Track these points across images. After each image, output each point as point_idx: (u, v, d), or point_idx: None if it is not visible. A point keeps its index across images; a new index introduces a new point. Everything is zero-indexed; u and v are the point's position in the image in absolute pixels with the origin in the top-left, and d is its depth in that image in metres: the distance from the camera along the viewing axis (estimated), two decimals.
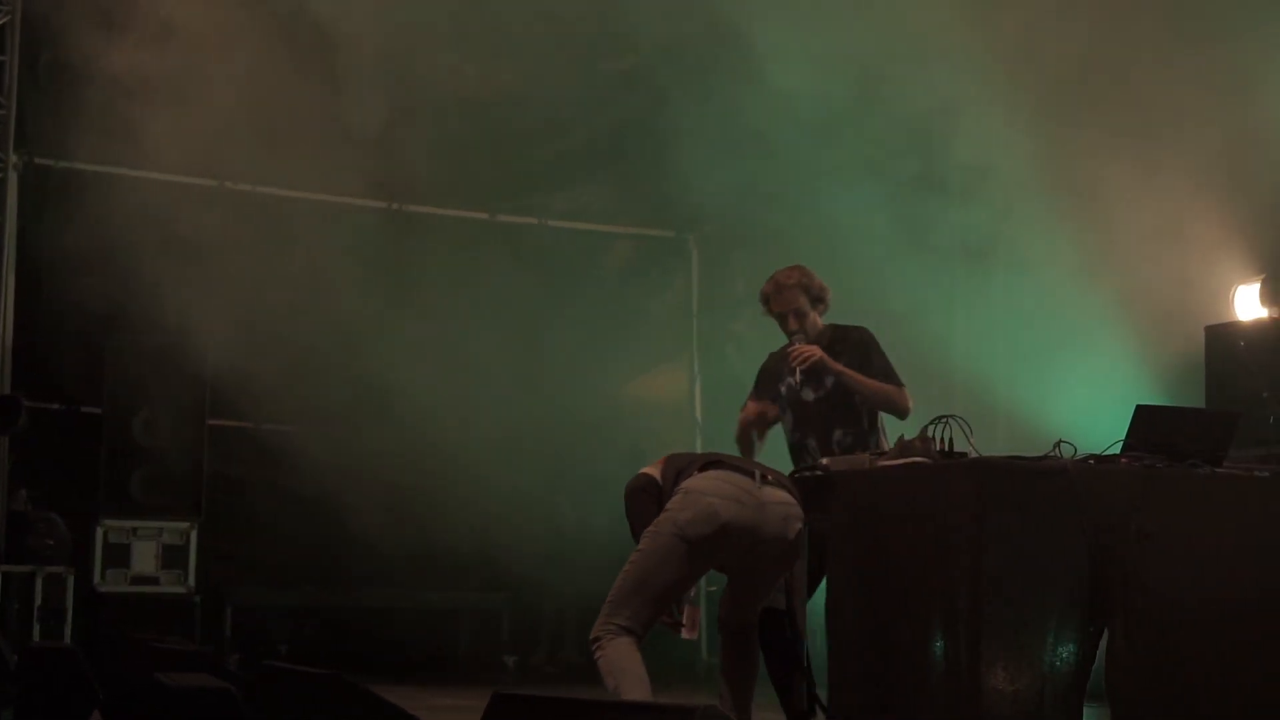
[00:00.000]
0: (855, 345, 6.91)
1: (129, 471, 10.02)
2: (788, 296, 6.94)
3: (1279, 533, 5.98)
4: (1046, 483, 5.74)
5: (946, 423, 6.22)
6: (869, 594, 6.06)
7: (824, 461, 6.47)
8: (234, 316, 10.26)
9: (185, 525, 10.04)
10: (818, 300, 6.98)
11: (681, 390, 12.43)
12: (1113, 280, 9.18)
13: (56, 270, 10.12)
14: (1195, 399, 8.28)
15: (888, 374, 6.84)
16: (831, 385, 6.86)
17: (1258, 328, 8.43)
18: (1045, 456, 6.00)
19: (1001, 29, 9.29)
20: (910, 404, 6.81)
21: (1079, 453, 5.96)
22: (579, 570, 11.49)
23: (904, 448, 6.18)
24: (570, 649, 11.55)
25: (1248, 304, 9.53)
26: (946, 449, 6.16)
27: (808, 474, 6.45)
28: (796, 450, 7.00)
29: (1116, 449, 6.04)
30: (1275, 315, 8.82)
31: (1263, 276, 9.53)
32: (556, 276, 11.64)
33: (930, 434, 6.17)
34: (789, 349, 6.90)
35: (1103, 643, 5.74)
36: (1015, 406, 8.85)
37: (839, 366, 6.80)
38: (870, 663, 6.02)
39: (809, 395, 6.92)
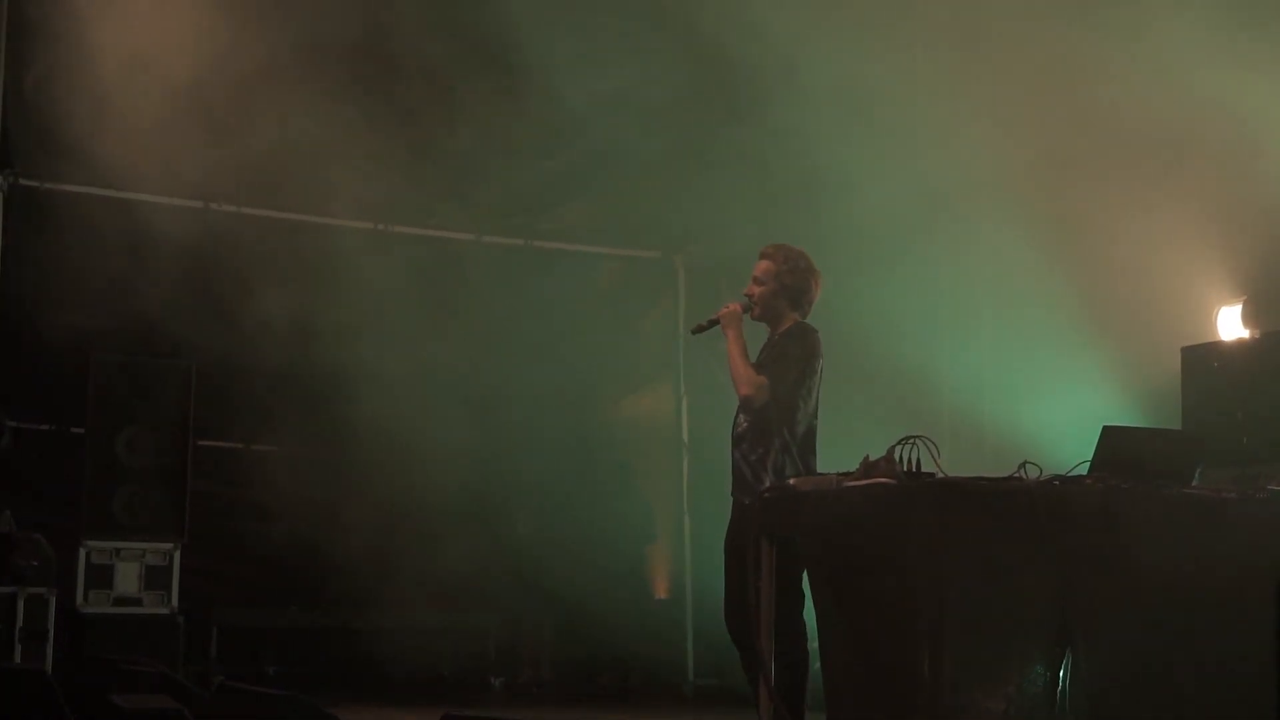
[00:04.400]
0: (790, 335, 7.01)
1: (112, 492, 10.00)
2: (761, 262, 7.03)
3: (1245, 554, 5.97)
4: (1009, 503, 5.75)
5: (913, 443, 6.23)
6: (847, 613, 6.06)
7: (791, 481, 6.47)
8: (219, 337, 10.27)
9: (169, 546, 10.01)
10: (788, 289, 6.99)
11: (668, 411, 12.43)
12: (1093, 302, 9.18)
13: (41, 290, 10.13)
14: (1172, 420, 8.27)
15: (776, 364, 6.92)
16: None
17: (1232, 349, 8.43)
18: (1009, 477, 6.00)
19: (984, 49, 9.31)
20: (749, 393, 6.89)
21: (1044, 473, 5.96)
22: (565, 592, 11.50)
23: (869, 468, 6.18)
24: (548, 669, 11.55)
25: (1230, 325, 9.54)
26: (913, 469, 6.16)
27: (773, 494, 6.46)
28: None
29: (1082, 469, 6.05)
30: (1256, 336, 8.82)
31: (1244, 298, 9.54)
32: (543, 298, 11.64)
33: (897, 455, 6.17)
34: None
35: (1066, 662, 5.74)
36: (995, 427, 8.85)
37: (730, 330, 6.85)
38: (859, 680, 6.02)
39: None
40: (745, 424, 6.95)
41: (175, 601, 9.98)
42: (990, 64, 9.37)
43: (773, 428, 6.85)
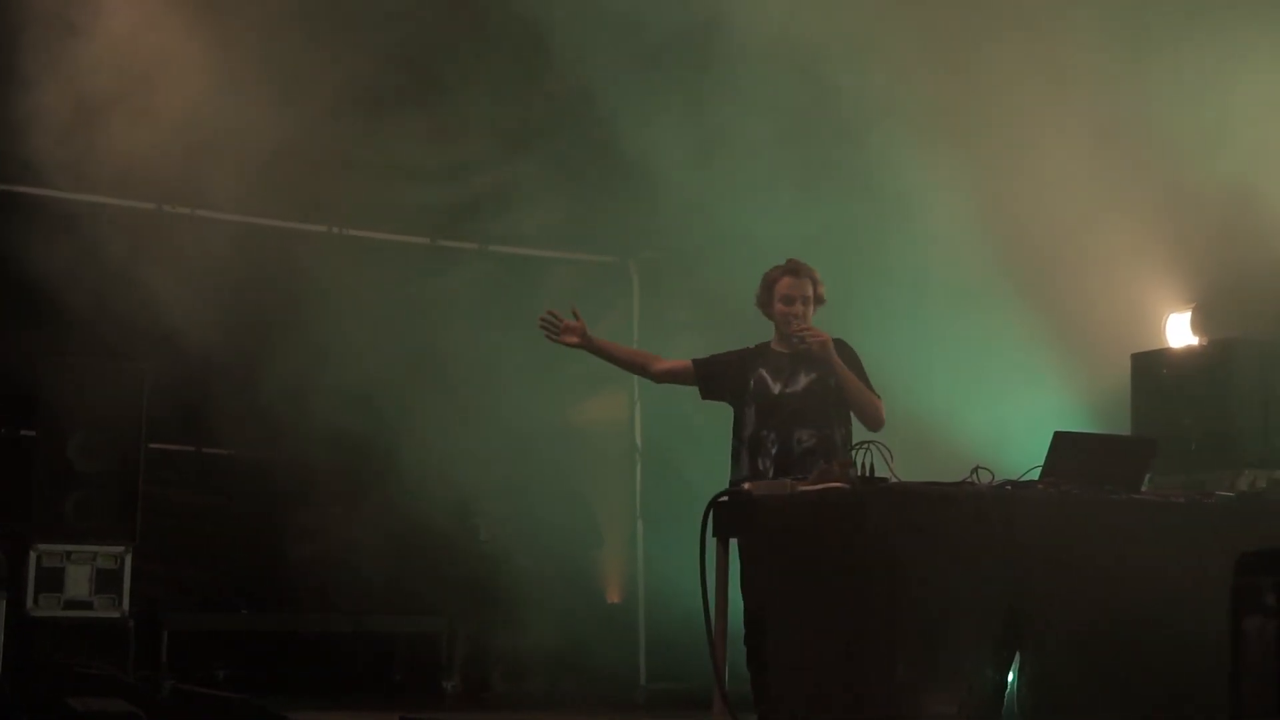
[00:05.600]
0: (841, 352, 7.03)
1: (64, 495, 9.95)
2: (804, 283, 7.04)
3: (1194, 558, 6.03)
4: (962, 508, 5.80)
5: (867, 448, 6.29)
6: (792, 614, 6.10)
7: (745, 485, 6.51)
8: (173, 339, 10.22)
9: (120, 549, 9.96)
10: (818, 304, 7.08)
11: (622, 416, 12.44)
12: (1044, 308, 9.25)
13: None
14: (1122, 426, 8.34)
15: (866, 380, 6.99)
16: (804, 385, 6.92)
17: (1181, 356, 8.51)
18: (962, 482, 6.05)
19: (933, 52, 9.37)
20: (884, 418, 6.92)
21: (997, 478, 6.01)
22: (518, 596, 11.49)
23: (823, 473, 6.24)
24: (500, 673, 11.53)
25: (1179, 332, 9.64)
26: (867, 474, 6.22)
27: (726, 498, 6.49)
28: (752, 443, 7.03)
29: (1034, 474, 6.11)
30: (1205, 343, 8.90)
31: (1193, 305, 9.64)
32: (497, 302, 11.62)
33: (850, 459, 6.23)
34: (794, 327, 6.94)
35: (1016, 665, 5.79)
36: (948, 433, 8.87)
37: (840, 363, 6.89)
38: (796, 680, 6.06)
39: (778, 389, 6.97)
40: (812, 440, 6.90)
41: (126, 605, 9.94)
42: (943, 70, 9.42)
43: (838, 441, 6.88)
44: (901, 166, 9.76)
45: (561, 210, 11.63)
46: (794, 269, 7.08)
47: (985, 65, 9.32)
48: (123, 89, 9.65)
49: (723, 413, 11.07)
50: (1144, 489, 6.37)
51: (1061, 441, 6.16)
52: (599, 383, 12.50)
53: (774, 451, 6.89)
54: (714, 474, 9.23)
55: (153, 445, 10.48)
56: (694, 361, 7.27)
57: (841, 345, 7.05)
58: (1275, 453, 7.73)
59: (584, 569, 12.08)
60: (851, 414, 7.02)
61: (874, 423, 6.93)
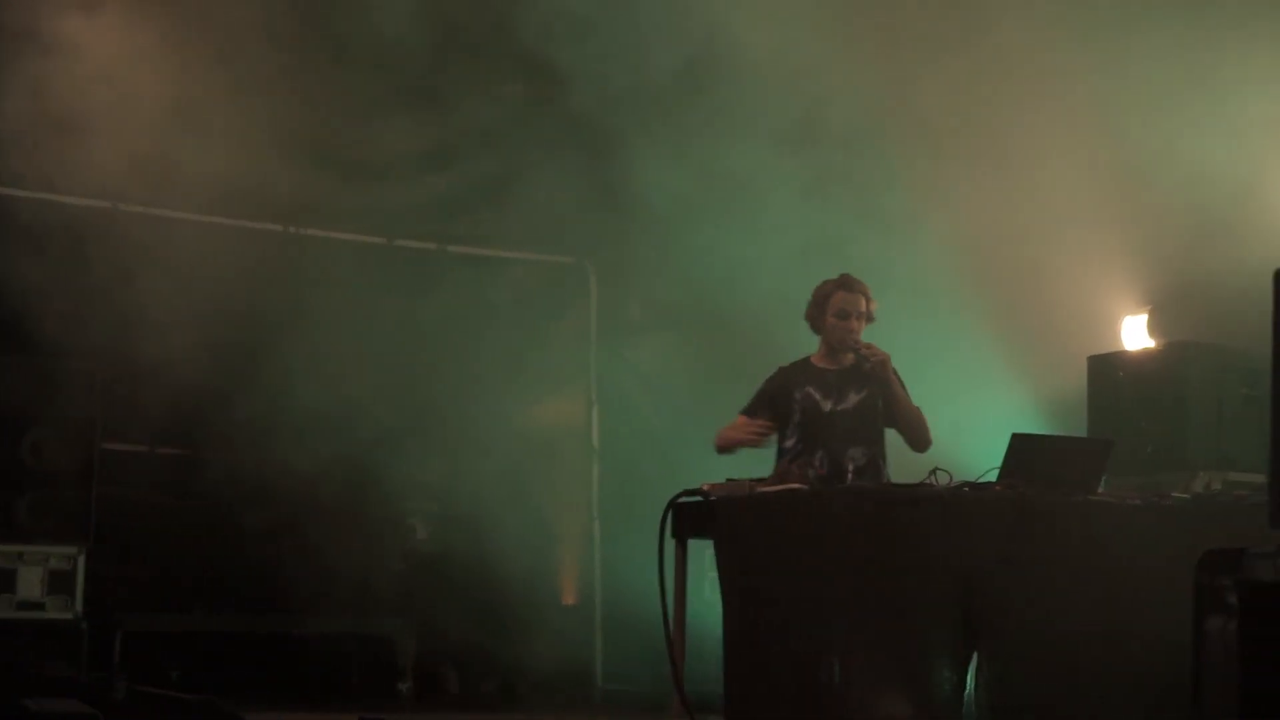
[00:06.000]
0: (888, 369, 7.04)
1: (16, 495, 9.87)
2: (858, 298, 7.02)
3: (1151, 560, 6.07)
4: (921, 510, 5.82)
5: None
6: (752, 615, 6.11)
7: (704, 487, 6.51)
8: (128, 339, 10.16)
9: (73, 550, 9.89)
10: (869, 321, 7.07)
11: (579, 417, 12.43)
12: (1002, 311, 9.28)
13: None
14: (1079, 428, 8.38)
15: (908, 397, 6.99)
16: (854, 403, 6.91)
17: (1137, 358, 8.56)
18: (920, 484, 6.07)
19: (883, 67, 9.40)
20: (931, 439, 6.99)
21: (954, 480, 6.04)
22: (473, 597, 11.46)
23: (782, 474, 6.25)
24: (455, 674, 11.50)
25: (1134, 335, 9.70)
26: (824, 476, 6.24)
27: (686, 500, 6.50)
28: (802, 462, 6.97)
29: (992, 476, 6.13)
30: (1160, 346, 8.96)
31: (1149, 308, 9.70)
32: (455, 302, 11.59)
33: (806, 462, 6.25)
34: (852, 342, 6.92)
35: (973, 666, 5.81)
36: (895, 435, 8.87)
37: (895, 382, 6.89)
38: (757, 682, 6.07)
39: (828, 407, 6.96)
40: (864, 459, 6.90)
41: (79, 606, 9.87)
42: (906, 78, 9.46)
43: (883, 459, 6.87)
44: (864, 173, 9.79)
45: (520, 210, 11.62)
46: (847, 284, 7.05)
47: (948, 72, 9.35)
48: (77, 87, 9.59)
49: (680, 413, 11.12)
50: (1100, 490, 6.40)
51: (1019, 443, 6.20)
52: (556, 383, 12.50)
53: (824, 473, 6.84)
54: (672, 475, 9.23)
55: (107, 445, 10.41)
56: (741, 415, 7.20)
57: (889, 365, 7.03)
58: (1229, 455, 7.78)
59: (541, 570, 12.05)
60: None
61: (923, 443, 6.98)
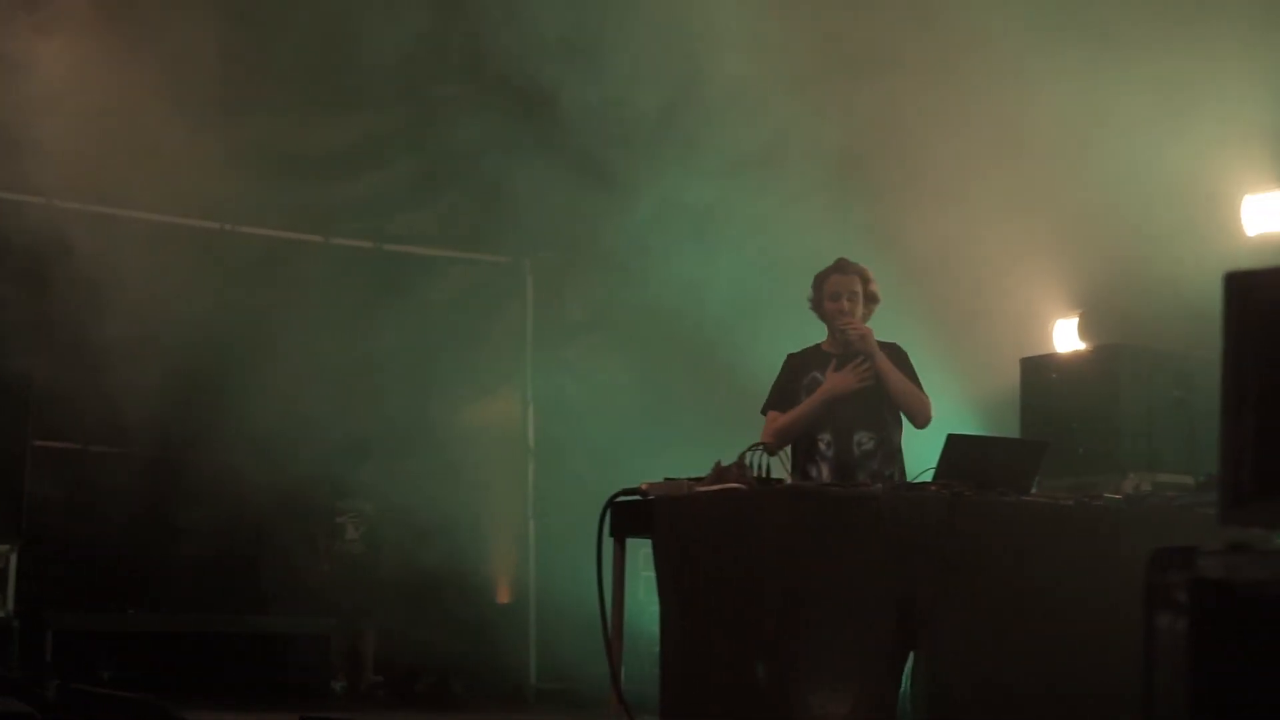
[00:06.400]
0: (894, 353, 7.00)
1: None
2: (851, 279, 7.00)
3: (1082, 560, 6.15)
4: (858, 509, 5.85)
5: (764, 450, 6.34)
6: (690, 615, 6.13)
7: (643, 486, 6.52)
8: (61, 336, 10.09)
9: (5, 548, 9.80)
10: (871, 302, 7.04)
11: (514, 416, 12.43)
12: (936, 314, 9.35)
13: None
14: (1012, 430, 8.46)
15: (916, 383, 6.94)
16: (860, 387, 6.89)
17: (1068, 361, 8.66)
18: (858, 484, 6.12)
19: (827, 52, 9.46)
20: (930, 414, 6.86)
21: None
22: (408, 596, 11.45)
23: (720, 473, 6.26)
24: (390, 673, 11.48)
25: (1066, 337, 9.82)
26: (764, 475, 6.27)
27: (624, 499, 6.51)
28: (808, 445, 6.97)
29: (927, 476, 6.19)
30: (1091, 348, 9.07)
31: (1080, 311, 9.82)
32: (391, 300, 11.58)
33: (747, 460, 6.27)
34: (839, 322, 6.92)
35: (909, 666, 5.86)
36: None
37: (881, 354, 6.86)
38: (694, 681, 6.09)
39: (835, 389, 6.94)
40: (872, 442, 6.86)
41: (11, 605, 9.79)
42: (837, 69, 9.52)
43: (898, 445, 6.85)
44: (800, 175, 9.85)
45: (456, 210, 11.62)
46: (841, 266, 7.04)
47: (880, 72, 9.42)
48: (12, 85, 9.52)
49: (615, 412, 11.16)
50: (1033, 491, 6.47)
51: (954, 444, 6.24)
52: (492, 383, 12.50)
53: (830, 454, 6.85)
54: (607, 473, 9.25)
55: (38, 443, 10.33)
56: (769, 415, 7.16)
57: (893, 349, 6.99)
58: (1159, 456, 7.89)
59: (476, 570, 12.05)
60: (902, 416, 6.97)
61: (920, 418, 6.85)
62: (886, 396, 6.86)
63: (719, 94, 9.85)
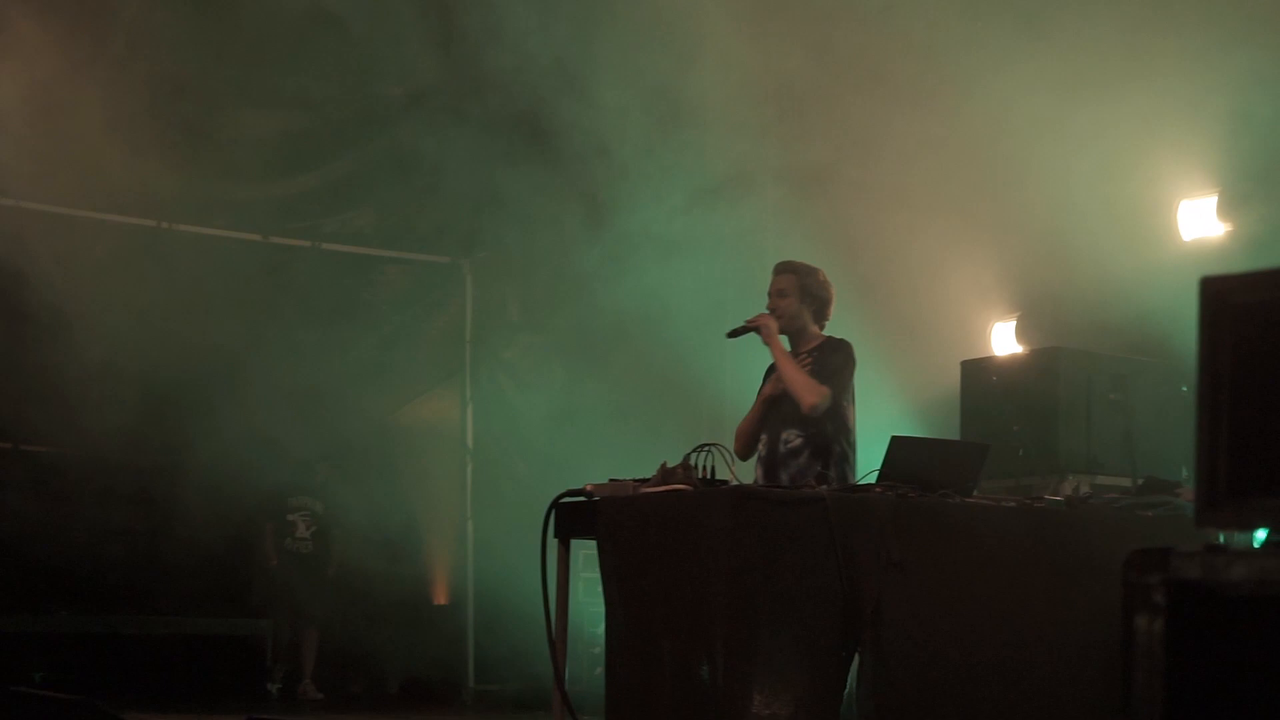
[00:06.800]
0: (827, 348, 6.95)
1: None
2: (780, 278, 7.00)
3: (1024, 560, 6.19)
4: (803, 511, 5.86)
5: (709, 451, 6.34)
6: (634, 616, 6.13)
7: (587, 487, 6.51)
8: None
9: None
10: (812, 299, 7.00)
11: (453, 417, 12.40)
12: (875, 317, 9.40)
13: None
14: (952, 431, 8.51)
15: (826, 374, 6.81)
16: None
17: (1009, 363, 8.71)
18: (802, 485, 6.13)
19: (771, 58, 9.49)
20: (816, 401, 6.70)
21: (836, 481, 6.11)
22: (344, 597, 11.41)
23: (666, 474, 6.26)
24: (326, 675, 11.43)
25: (1004, 340, 9.88)
26: (708, 476, 6.27)
27: (569, 500, 6.50)
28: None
29: (872, 478, 6.21)
30: (1030, 351, 9.13)
31: (1018, 314, 9.89)
32: (329, 300, 11.54)
33: (693, 461, 6.27)
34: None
35: (854, 666, 5.88)
36: None
37: (774, 341, 6.84)
38: (638, 682, 6.08)
39: (768, 391, 6.95)
40: (799, 439, 6.80)
41: None
42: (778, 76, 9.55)
43: (831, 440, 6.79)
44: (738, 178, 9.88)
45: (395, 210, 11.59)
46: (777, 268, 7.06)
47: (819, 74, 9.46)
48: None
49: (554, 413, 11.16)
50: (975, 493, 6.50)
51: (898, 446, 6.27)
52: (430, 383, 12.47)
53: (763, 453, 6.85)
54: (545, 474, 9.26)
55: None
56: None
57: (836, 344, 6.95)
58: (1097, 459, 7.95)
59: (413, 571, 12.02)
60: (846, 415, 6.92)
61: (803, 406, 6.73)
62: (835, 398, 6.83)
63: (664, 99, 9.85)
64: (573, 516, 6.52)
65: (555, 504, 6.55)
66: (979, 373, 8.56)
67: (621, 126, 10.01)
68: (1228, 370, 2.22)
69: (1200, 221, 8.99)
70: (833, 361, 6.87)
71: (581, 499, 6.48)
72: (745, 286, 10.34)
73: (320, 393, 11.36)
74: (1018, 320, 9.87)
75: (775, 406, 6.92)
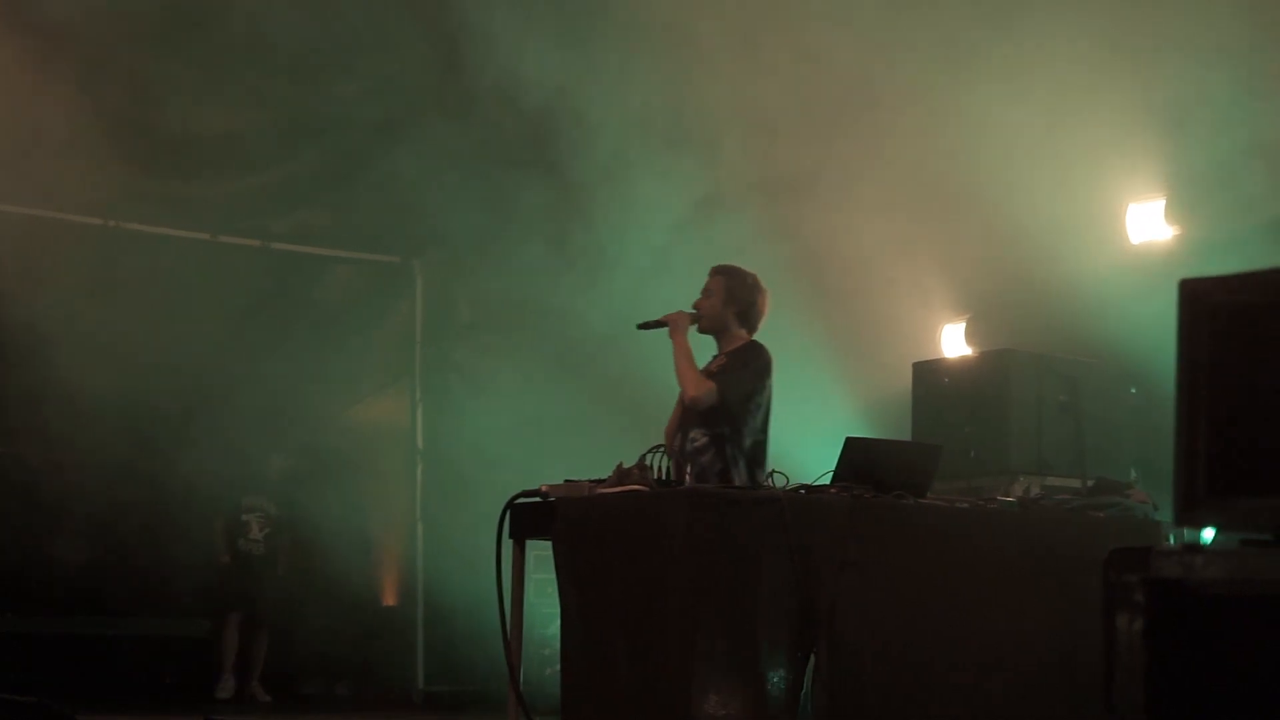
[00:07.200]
0: (744, 350, 6.97)
1: None
2: (711, 279, 7.02)
3: (977, 561, 6.24)
4: (758, 512, 5.88)
5: (664, 452, 6.36)
6: (590, 616, 6.13)
7: (543, 488, 6.52)
8: None
9: None
10: (738, 303, 7.00)
11: (403, 416, 12.37)
12: (827, 319, 9.44)
13: None
14: (903, 432, 8.55)
15: (730, 374, 6.84)
16: None
17: (960, 365, 8.76)
18: (758, 486, 6.16)
19: (737, 66, 9.51)
20: (696, 394, 6.73)
21: (791, 483, 6.13)
22: (293, 598, 11.36)
23: (621, 475, 6.28)
24: (275, 676, 11.36)
25: (954, 342, 9.95)
26: (664, 477, 6.30)
27: (525, 500, 6.51)
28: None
29: (827, 479, 6.24)
30: (981, 353, 9.19)
31: (968, 316, 9.96)
32: (279, 299, 11.48)
33: (648, 462, 6.29)
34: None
35: (810, 666, 5.91)
36: None
37: (678, 337, 6.86)
38: (593, 682, 6.09)
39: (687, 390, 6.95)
40: (703, 439, 6.81)
41: None
42: (734, 82, 9.57)
43: (726, 440, 6.79)
44: (687, 178, 9.89)
45: (345, 209, 11.55)
46: (711, 271, 7.09)
47: (774, 76, 9.49)
48: None
49: (505, 415, 11.14)
50: (929, 494, 6.54)
51: (852, 446, 6.31)
52: (380, 383, 12.43)
53: (674, 451, 6.86)
54: (494, 476, 9.24)
55: None
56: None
57: (754, 349, 6.96)
58: (1047, 460, 8.02)
59: (363, 571, 11.97)
60: (746, 418, 6.91)
61: (685, 397, 6.80)
62: (723, 395, 6.83)
63: (619, 105, 9.87)
64: (528, 517, 6.53)
65: (511, 504, 6.55)
66: (930, 374, 8.62)
67: (574, 127, 10.03)
68: (1206, 371, 2.25)
69: (1148, 225, 9.08)
70: (742, 364, 6.90)
71: (537, 500, 6.49)
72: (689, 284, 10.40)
73: (270, 392, 11.31)
74: (967, 322, 9.94)
75: (684, 407, 6.95)
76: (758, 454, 6.89)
